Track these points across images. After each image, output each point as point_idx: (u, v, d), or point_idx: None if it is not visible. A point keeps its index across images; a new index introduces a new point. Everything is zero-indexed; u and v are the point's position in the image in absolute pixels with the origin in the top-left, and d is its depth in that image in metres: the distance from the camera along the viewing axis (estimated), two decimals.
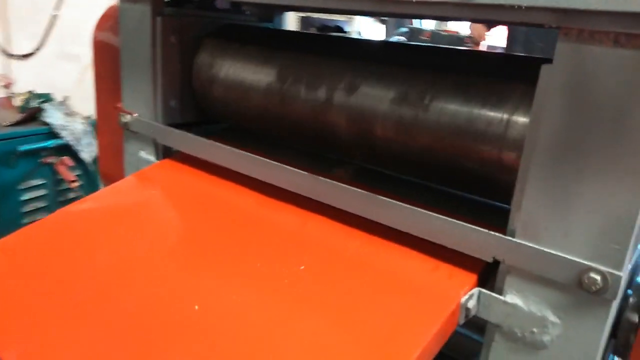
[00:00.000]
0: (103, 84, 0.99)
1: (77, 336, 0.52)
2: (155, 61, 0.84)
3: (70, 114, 2.17)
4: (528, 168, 0.49)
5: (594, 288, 0.46)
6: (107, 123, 1.00)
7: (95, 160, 2.97)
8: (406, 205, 0.57)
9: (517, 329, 0.52)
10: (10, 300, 0.57)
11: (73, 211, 0.75)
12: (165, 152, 0.88)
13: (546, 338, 0.50)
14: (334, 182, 0.63)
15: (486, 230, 0.52)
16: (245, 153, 0.73)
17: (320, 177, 0.64)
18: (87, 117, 2.86)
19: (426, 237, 0.56)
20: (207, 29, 0.89)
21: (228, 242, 0.65)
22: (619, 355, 0.53)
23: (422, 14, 0.56)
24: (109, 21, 0.97)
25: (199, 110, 0.92)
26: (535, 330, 0.51)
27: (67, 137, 2.06)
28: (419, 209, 0.56)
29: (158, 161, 0.87)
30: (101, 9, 1.02)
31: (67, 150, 2.16)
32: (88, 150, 2.91)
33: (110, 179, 1.06)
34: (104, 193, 0.83)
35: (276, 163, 0.69)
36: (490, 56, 0.85)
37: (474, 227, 0.53)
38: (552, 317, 0.49)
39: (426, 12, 0.52)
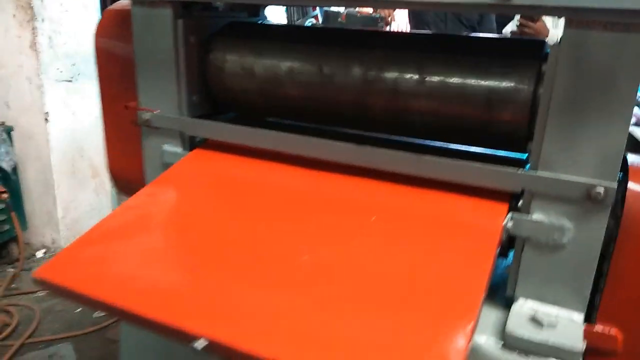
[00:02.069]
0: (108, 88, 1.04)
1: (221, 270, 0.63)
2: (178, 60, 0.92)
3: None
4: (545, 120, 0.68)
5: (599, 198, 0.66)
6: (115, 124, 1.05)
7: (15, 169, 2.81)
8: (449, 159, 0.74)
9: (542, 238, 0.71)
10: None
11: (161, 189, 0.84)
12: (191, 144, 0.97)
13: (564, 240, 0.70)
14: (381, 148, 0.78)
15: (516, 169, 0.71)
16: (288, 134, 0.86)
17: (367, 146, 0.79)
18: (1, 124, 2.68)
19: (469, 182, 0.74)
20: (213, 29, 0.98)
21: (304, 208, 0.78)
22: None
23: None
24: (109, 27, 1.01)
25: (213, 103, 1.01)
26: (555, 236, 0.71)
27: None
28: (459, 160, 0.74)
29: (192, 150, 0.95)
30: None
31: None
32: (6, 159, 2.74)
33: (121, 177, 1.12)
34: (170, 176, 0.89)
35: (321, 139, 0.83)
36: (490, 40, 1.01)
37: (506, 167, 0.72)
38: (568, 224, 0.70)
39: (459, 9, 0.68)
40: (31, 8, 2.70)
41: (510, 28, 2.90)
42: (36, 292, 2.67)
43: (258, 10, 1.12)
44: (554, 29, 2.58)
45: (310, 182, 0.84)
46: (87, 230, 0.76)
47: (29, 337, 2.35)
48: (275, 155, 0.88)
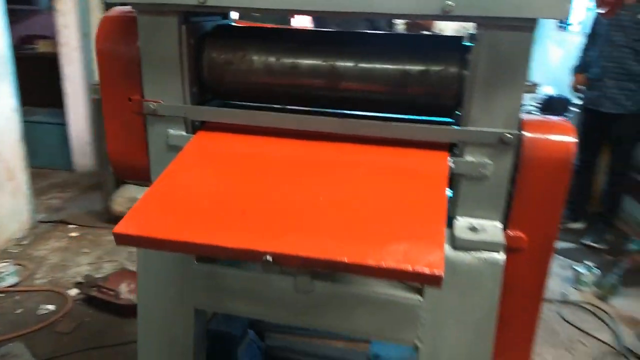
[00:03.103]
0: (110, 85, 1.21)
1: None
2: (182, 59, 1.12)
3: None
4: (472, 91, 1.00)
5: (507, 141, 1.01)
6: (116, 116, 1.22)
7: None
8: (409, 123, 1.05)
9: (473, 172, 1.05)
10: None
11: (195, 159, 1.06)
12: (193, 127, 1.18)
13: (487, 172, 1.04)
14: (356, 119, 1.07)
15: (454, 126, 1.03)
16: (272, 112, 1.11)
17: (346, 118, 1.08)
18: None
19: (424, 139, 1.05)
20: (203, 31, 1.19)
21: (301, 166, 1.04)
22: None
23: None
24: (109, 32, 1.18)
25: (206, 93, 1.22)
26: (481, 170, 1.04)
27: None
28: (417, 124, 1.05)
29: (197, 132, 1.16)
30: None
31: None
32: None
33: (122, 162, 1.29)
34: (191, 150, 1.10)
35: (310, 116, 1.10)
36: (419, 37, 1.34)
37: (447, 126, 1.04)
38: (488, 161, 1.03)
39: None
40: None
41: (403, 20, 3.32)
42: None
43: (227, 14, 1.35)
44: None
45: (297, 148, 1.10)
46: (143, 194, 0.95)
47: None
48: (262, 130, 1.14)
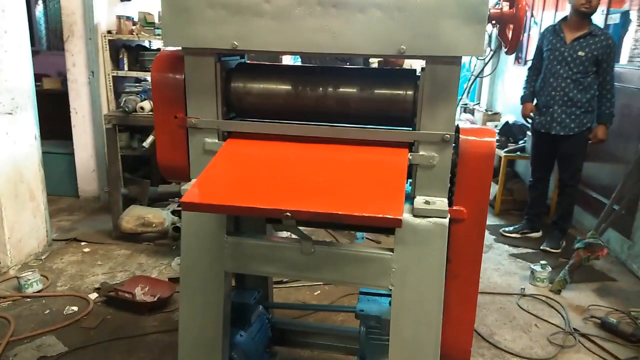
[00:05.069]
0: (162, 105, 1.64)
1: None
2: (217, 87, 1.57)
3: None
4: (421, 107, 1.46)
5: (448, 140, 1.46)
6: (166, 129, 1.65)
7: None
8: (381, 130, 1.50)
9: (425, 163, 1.50)
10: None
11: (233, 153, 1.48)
12: (223, 136, 1.62)
13: (435, 163, 1.49)
14: (344, 127, 1.52)
15: (411, 130, 1.49)
16: (288, 123, 1.56)
17: (336, 126, 1.53)
18: None
19: (392, 140, 1.50)
20: (229, 67, 1.64)
21: (307, 159, 1.48)
22: None
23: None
24: (161, 65, 1.62)
25: (231, 111, 1.66)
26: (431, 161, 1.49)
27: None
28: (387, 130, 1.50)
29: (227, 139, 1.59)
30: None
31: None
32: None
33: (169, 166, 1.71)
34: (226, 149, 1.53)
35: (310, 124, 1.54)
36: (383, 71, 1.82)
37: (406, 129, 1.50)
38: (435, 155, 1.49)
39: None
40: None
41: (376, 59, 3.83)
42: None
43: (244, 56, 1.81)
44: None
45: (299, 148, 1.54)
46: (200, 174, 1.38)
47: (12, 335, 2.67)
48: (276, 137, 1.58)
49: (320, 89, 1.57)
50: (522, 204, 4.69)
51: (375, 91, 1.54)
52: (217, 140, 1.61)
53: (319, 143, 1.56)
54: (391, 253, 1.52)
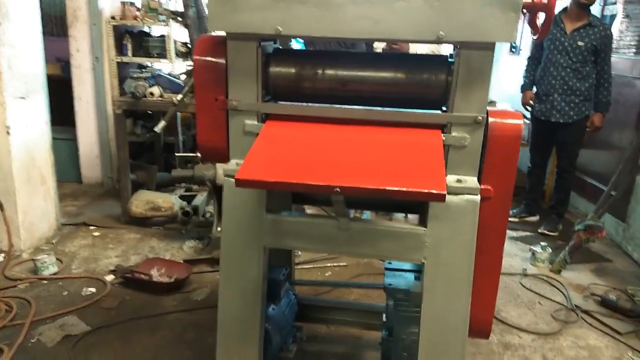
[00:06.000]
0: (203, 88, 1.70)
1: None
2: (257, 71, 1.63)
3: None
4: (455, 90, 1.54)
5: (479, 122, 1.55)
6: (206, 111, 1.71)
7: None
8: (419, 111, 1.59)
9: (457, 143, 1.58)
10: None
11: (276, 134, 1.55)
12: (262, 118, 1.68)
13: (466, 143, 1.58)
14: (380, 110, 1.60)
15: (447, 112, 1.58)
16: (325, 106, 1.63)
17: (369, 108, 1.61)
18: None
19: (427, 122, 1.58)
20: (267, 51, 1.71)
21: (346, 139, 1.56)
22: None
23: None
24: (203, 49, 1.68)
25: (268, 94, 1.73)
26: (463, 142, 1.58)
27: None
28: (425, 112, 1.59)
29: (265, 122, 1.66)
30: None
31: None
32: None
33: (208, 147, 1.77)
34: (268, 130, 1.60)
35: (347, 106, 1.62)
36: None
37: (441, 112, 1.58)
38: (467, 136, 1.58)
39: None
40: None
41: (380, 44, 3.91)
42: (16, 286, 3.01)
43: (276, 40, 1.88)
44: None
45: (336, 129, 1.62)
46: (247, 154, 1.45)
47: (34, 315, 2.72)
48: (313, 118, 1.65)
49: (357, 73, 1.65)
50: (519, 189, 4.82)
51: (410, 75, 1.62)
52: (256, 122, 1.68)
53: (353, 125, 1.64)
54: (424, 228, 1.61)
